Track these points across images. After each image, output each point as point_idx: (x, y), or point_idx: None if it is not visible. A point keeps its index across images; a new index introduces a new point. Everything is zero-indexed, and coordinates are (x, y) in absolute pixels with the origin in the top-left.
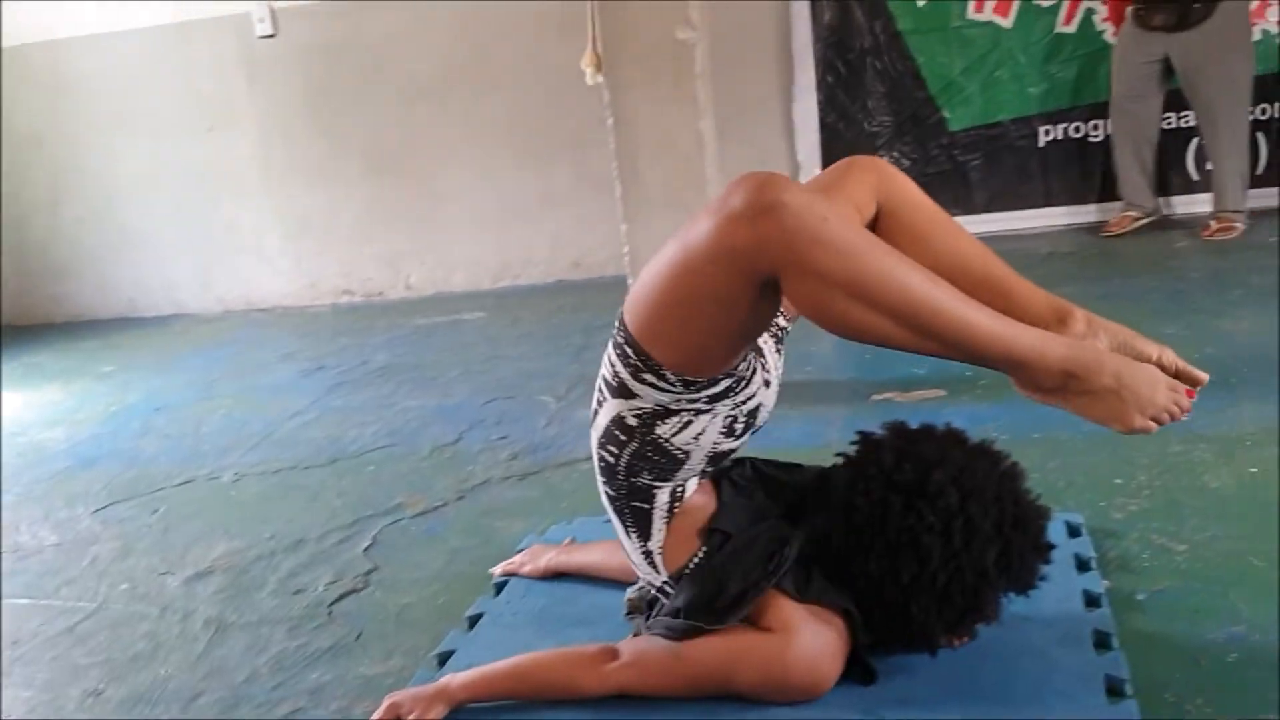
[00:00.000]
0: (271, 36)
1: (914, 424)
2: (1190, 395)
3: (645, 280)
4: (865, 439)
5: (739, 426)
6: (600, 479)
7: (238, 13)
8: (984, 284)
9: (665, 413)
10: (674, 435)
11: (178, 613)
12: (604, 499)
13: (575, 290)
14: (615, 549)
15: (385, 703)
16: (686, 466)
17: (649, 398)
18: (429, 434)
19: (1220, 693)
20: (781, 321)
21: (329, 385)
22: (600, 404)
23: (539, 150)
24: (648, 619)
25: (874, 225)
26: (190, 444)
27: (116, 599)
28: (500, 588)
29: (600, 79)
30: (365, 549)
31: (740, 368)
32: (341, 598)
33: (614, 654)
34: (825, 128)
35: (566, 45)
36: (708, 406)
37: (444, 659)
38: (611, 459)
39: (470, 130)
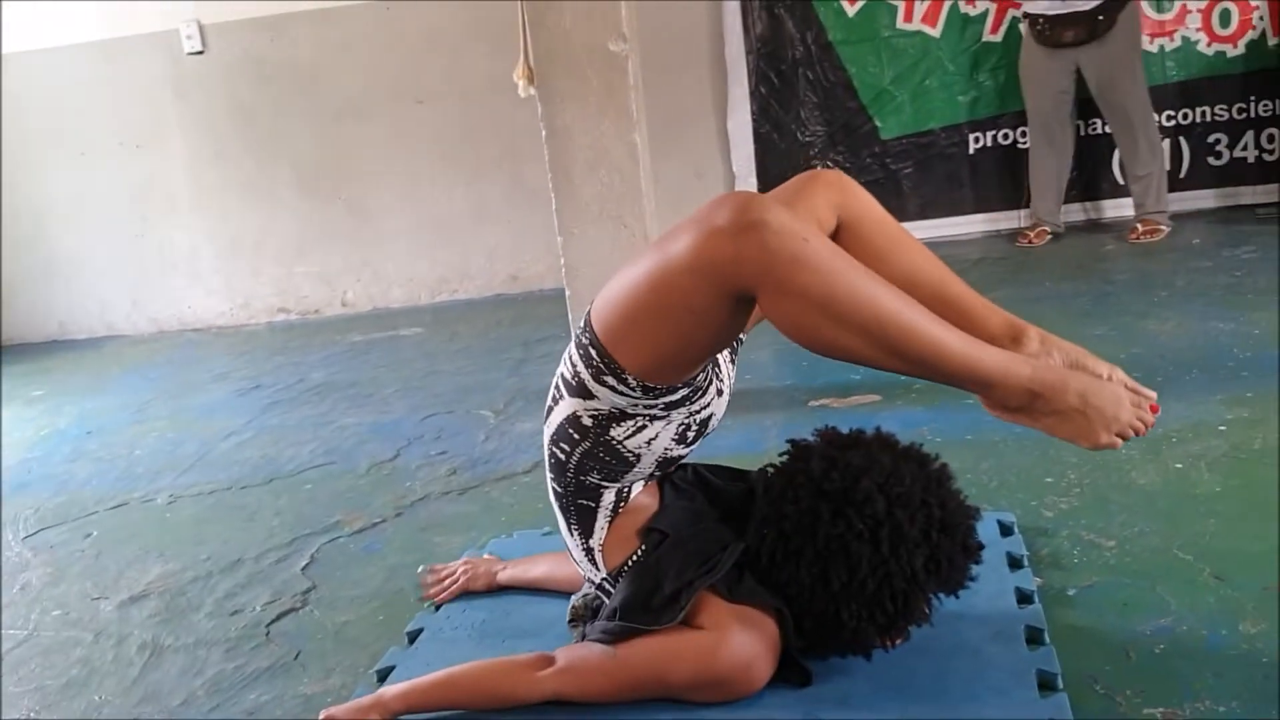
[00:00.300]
0: (200, 53)
1: (844, 430)
2: (1154, 410)
3: (617, 285)
4: (795, 446)
5: (691, 434)
6: (549, 475)
7: (166, 29)
8: (941, 301)
9: (621, 415)
10: (627, 438)
11: (112, 638)
12: (551, 494)
13: (513, 304)
14: (560, 561)
15: (321, 717)
16: (636, 469)
17: (607, 400)
18: (367, 451)
19: (1149, 683)
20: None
21: (265, 404)
22: (556, 401)
23: (474, 164)
24: (590, 626)
25: (833, 239)
26: (123, 467)
27: (48, 626)
28: (439, 606)
29: (533, 91)
30: (303, 568)
31: (698, 378)
32: (279, 617)
33: (550, 660)
34: (759, 138)
35: (498, 58)
36: (663, 413)
37: (384, 675)
38: (563, 456)
39: (403, 145)
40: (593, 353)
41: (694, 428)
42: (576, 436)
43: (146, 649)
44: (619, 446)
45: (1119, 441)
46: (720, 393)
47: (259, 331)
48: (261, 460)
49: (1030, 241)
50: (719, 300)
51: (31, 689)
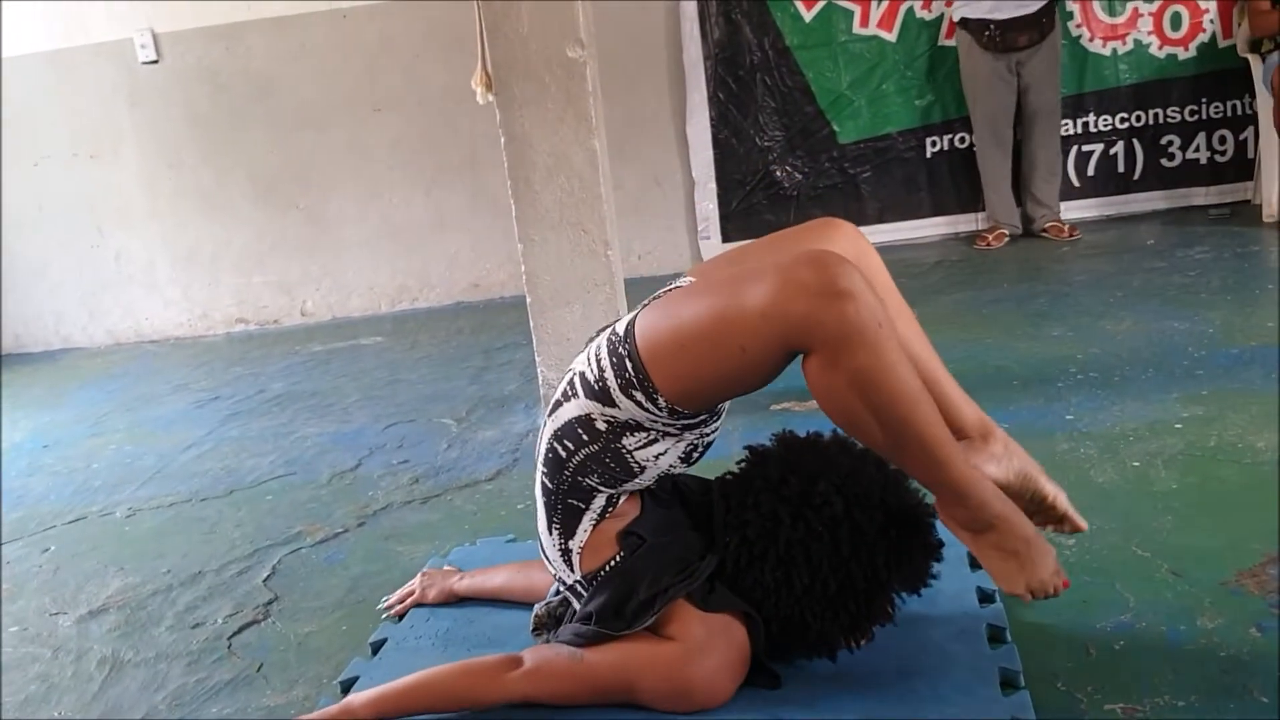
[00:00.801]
0: (155, 62)
1: (802, 433)
2: (1065, 585)
3: (674, 306)
4: (753, 453)
5: (695, 455)
6: (541, 469)
7: (120, 39)
8: (928, 383)
9: (636, 426)
10: (638, 449)
11: (71, 653)
12: (538, 488)
13: (474, 312)
14: (517, 571)
15: None
16: (637, 480)
17: (628, 411)
18: (328, 461)
19: (1109, 680)
20: None
21: (224, 416)
22: (568, 398)
23: (433, 172)
24: (555, 634)
25: None
26: (81, 480)
27: (6, 642)
28: (401, 616)
29: (491, 98)
30: (265, 579)
31: (720, 407)
32: (241, 629)
33: (518, 662)
34: (718, 143)
35: (456, 65)
36: (678, 432)
37: (347, 686)
38: (564, 454)
39: (362, 153)
40: (628, 365)
41: (699, 449)
42: (586, 438)
43: (106, 664)
44: (628, 456)
45: (1029, 596)
46: (725, 412)
47: (217, 342)
48: (222, 472)
49: (989, 244)
50: (776, 350)
51: None
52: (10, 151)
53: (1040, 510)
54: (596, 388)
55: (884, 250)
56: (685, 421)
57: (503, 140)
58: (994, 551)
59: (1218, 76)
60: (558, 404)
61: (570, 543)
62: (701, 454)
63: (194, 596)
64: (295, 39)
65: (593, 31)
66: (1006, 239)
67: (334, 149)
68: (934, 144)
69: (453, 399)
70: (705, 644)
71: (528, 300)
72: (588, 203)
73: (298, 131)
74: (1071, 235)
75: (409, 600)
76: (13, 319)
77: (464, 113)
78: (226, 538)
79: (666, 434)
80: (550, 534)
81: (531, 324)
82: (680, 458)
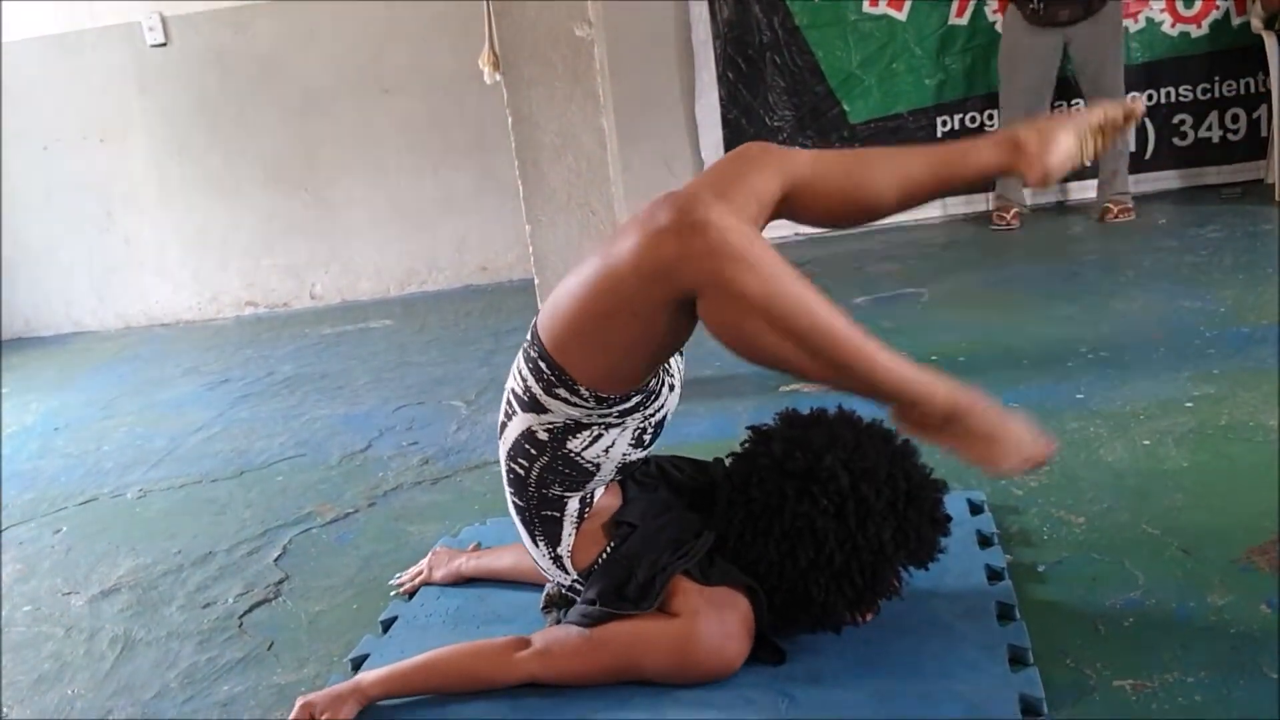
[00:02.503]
0: (163, 45)
1: (805, 411)
2: (1051, 449)
3: (562, 295)
4: (756, 432)
5: (647, 437)
6: (509, 490)
7: (128, 21)
8: (937, 163)
9: (576, 427)
10: (585, 449)
11: (83, 632)
12: (511, 509)
13: (483, 294)
14: (526, 552)
15: (298, 704)
16: (597, 478)
17: (560, 413)
18: (338, 442)
19: (1118, 656)
20: None
21: (234, 398)
22: (510, 417)
23: (441, 154)
24: (564, 613)
25: (788, 205)
26: (92, 462)
27: (19, 621)
28: (411, 595)
29: (498, 78)
30: (276, 559)
31: (651, 383)
32: (252, 609)
33: (526, 643)
34: (728, 123)
35: (463, 45)
36: (618, 420)
37: (358, 664)
38: (522, 472)
39: (369, 136)
40: (542, 365)
41: (650, 430)
42: (533, 452)
43: (118, 643)
44: (577, 458)
45: (1022, 469)
46: (672, 388)
47: (227, 326)
48: (232, 453)
49: (1006, 224)
50: (664, 303)
51: (4, 684)
52: (20, 135)
53: (1100, 134)
54: (526, 399)
55: (895, 230)
56: (619, 407)
57: (510, 121)
58: (965, 441)
59: (1231, 54)
60: (503, 425)
61: (558, 549)
62: (655, 436)
63: (205, 576)
64: (303, 21)
65: (600, 10)
66: (1018, 218)
67: (342, 132)
68: (944, 123)
69: (462, 381)
70: (708, 616)
71: (536, 282)
72: (596, 183)
73: (305, 114)
74: (1119, 217)
75: (419, 579)
76: (23, 303)
77: (471, 93)
78: (237, 518)
79: (608, 425)
80: (537, 546)
81: (539, 306)
82: (631, 444)
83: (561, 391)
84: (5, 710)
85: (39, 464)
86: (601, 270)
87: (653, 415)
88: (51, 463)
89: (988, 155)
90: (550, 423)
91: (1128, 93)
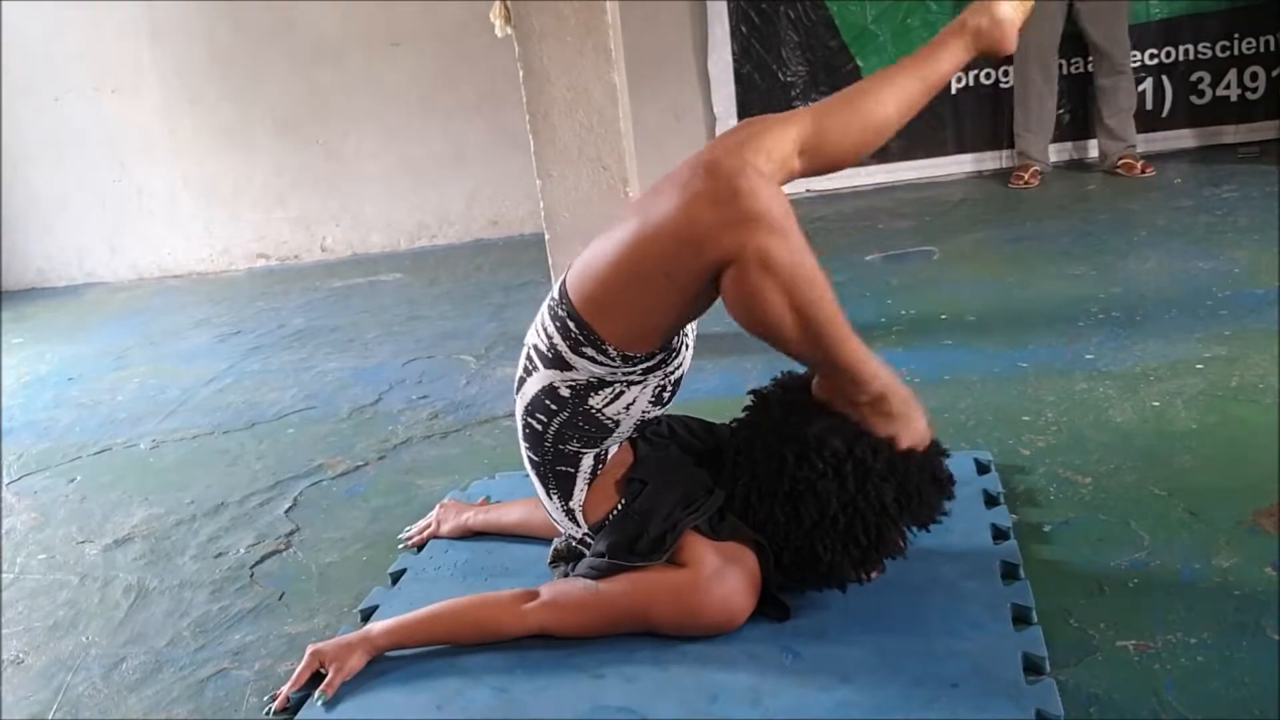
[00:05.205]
0: None
1: (801, 372)
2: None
3: (595, 256)
4: (756, 396)
5: (666, 394)
6: (524, 444)
7: None
8: (917, 70)
9: (599, 384)
10: (606, 406)
11: (97, 580)
12: (526, 463)
13: (493, 248)
14: (535, 507)
15: (308, 652)
16: (615, 434)
17: (585, 370)
18: (348, 395)
19: (1122, 616)
20: None
21: (246, 350)
22: (529, 373)
23: (452, 107)
24: (573, 568)
25: (806, 159)
26: (105, 413)
27: (34, 569)
28: (420, 547)
29: (510, 31)
30: (286, 510)
31: (673, 342)
32: (263, 559)
33: (534, 595)
34: (740, 78)
35: None
36: (640, 378)
37: (367, 615)
38: (540, 427)
39: (380, 88)
40: (570, 324)
41: (669, 388)
42: (554, 407)
43: (132, 591)
44: (598, 414)
45: (928, 437)
46: (688, 347)
47: (239, 278)
48: (243, 405)
49: (1025, 182)
50: (697, 266)
51: (20, 630)
52: (31, 86)
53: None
54: (550, 356)
55: (909, 187)
56: (644, 365)
57: (521, 74)
58: (880, 417)
59: (1250, 11)
60: (521, 380)
61: (571, 503)
62: (674, 393)
63: (217, 527)
64: None
65: None
66: (1038, 177)
67: (352, 84)
68: (959, 80)
69: (472, 336)
70: (717, 569)
71: (546, 237)
72: (607, 138)
73: (316, 66)
74: (1145, 172)
75: (427, 532)
76: (36, 253)
77: (482, 46)
78: (248, 470)
79: (630, 383)
80: (551, 499)
81: (550, 261)
82: (652, 401)
83: (589, 350)
84: (22, 655)
85: (54, 414)
86: (637, 232)
87: (673, 373)
88: (66, 413)
89: (953, 47)
90: (574, 379)
91: (1145, 50)
